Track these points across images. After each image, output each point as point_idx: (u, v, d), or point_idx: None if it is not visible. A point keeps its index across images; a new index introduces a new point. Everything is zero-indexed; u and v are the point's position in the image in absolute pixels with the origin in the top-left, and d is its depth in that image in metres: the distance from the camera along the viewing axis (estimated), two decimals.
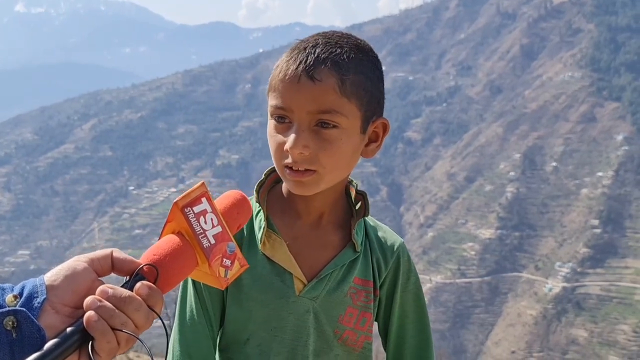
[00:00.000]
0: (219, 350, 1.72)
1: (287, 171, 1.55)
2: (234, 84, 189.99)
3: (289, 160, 1.52)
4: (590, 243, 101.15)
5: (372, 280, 1.72)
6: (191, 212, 1.11)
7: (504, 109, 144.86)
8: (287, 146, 1.50)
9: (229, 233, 1.15)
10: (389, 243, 1.77)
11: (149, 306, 1.03)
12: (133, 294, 1.02)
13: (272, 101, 1.55)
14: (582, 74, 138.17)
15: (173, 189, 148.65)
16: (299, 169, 1.52)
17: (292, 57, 1.54)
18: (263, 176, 1.72)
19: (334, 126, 1.51)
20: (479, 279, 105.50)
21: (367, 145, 1.63)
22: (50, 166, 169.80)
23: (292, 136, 1.50)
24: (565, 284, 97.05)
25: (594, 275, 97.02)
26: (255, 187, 1.70)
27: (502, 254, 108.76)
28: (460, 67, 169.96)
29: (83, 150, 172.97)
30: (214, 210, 1.13)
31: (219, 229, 1.13)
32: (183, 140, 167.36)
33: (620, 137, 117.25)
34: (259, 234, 1.65)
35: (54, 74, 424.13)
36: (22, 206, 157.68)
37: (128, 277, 1.06)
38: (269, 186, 1.73)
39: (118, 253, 1.08)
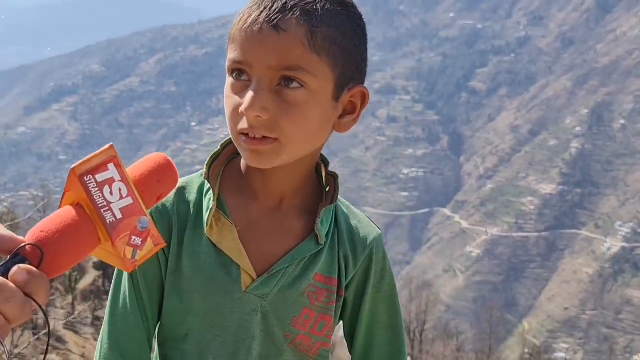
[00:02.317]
0: (158, 345, 1.50)
1: (243, 138, 1.29)
2: None
3: (244, 125, 1.28)
4: None
5: (336, 277, 1.47)
6: (92, 180, 0.93)
7: (574, 63, 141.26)
8: (242, 108, 1.25)
9: (143, 206, 0.97)
10: (361, 235, 1.50)
11: (27, 294, 0.84)
12: (5, 280, 0.83)
13: (230, 54, 1.31)
14: None
15: None
16: (256, 135, 1.28)
17: (255, 3, 1.30)
18: (219, 147, 1.47)
19: (300, 86, 1.27)
20: (536, 234, 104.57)
21: (341, 117, 1.37)
22: (116, 98, 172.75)
23: (248, 95, 1.25)
24: (624, 244, 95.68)
25: None
26: (207, 159, 1.45)
27: (562, 210, 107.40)
28: (532, 17, 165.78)
29: (148, 84, 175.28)
30: (123, 179, 0.95)
31: (128, 200, 0.95)
32: None
33: None
34: (205, 215, 1.40)
35: (123, 6, 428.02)
36: (88, 136, 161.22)
37: (8, 258, 0.88)
38: (226, 159, 1.47)
39: None
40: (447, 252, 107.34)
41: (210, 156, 1.44)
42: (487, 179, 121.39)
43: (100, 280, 26.87)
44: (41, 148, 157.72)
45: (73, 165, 0.92)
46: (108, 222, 0.92)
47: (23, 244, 0.88)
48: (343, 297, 1.49)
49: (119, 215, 0.93)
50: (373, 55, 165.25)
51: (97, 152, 0.95)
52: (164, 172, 1.03)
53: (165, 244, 1.01)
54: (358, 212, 1.55)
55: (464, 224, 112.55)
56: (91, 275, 27.02)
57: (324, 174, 1.50)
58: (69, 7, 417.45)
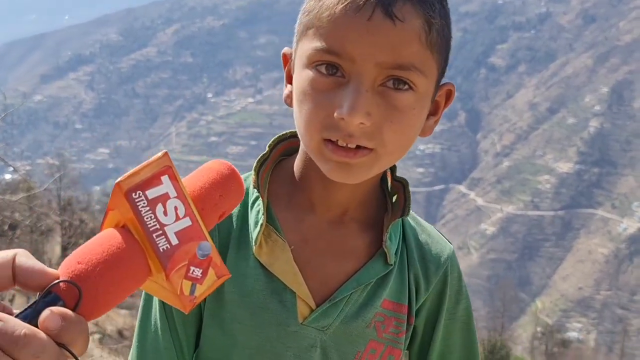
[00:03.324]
0: None
1: (330, 147, 1.04)
2: None
3: (336, 133, 1.02)
4: None
5: (407, 303, 1.23)
6: (142, 198, 0.70)
7: (595, 40, 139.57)
8: (342, 112, 0.99)
9: (203, 228, 0.73)
10: (433, 252, 1.27)
11: (61, 344, 0.63)
12: (34, 330, 0.61)
13: (315, 42, 1.03)
14: None
15: (250, 99, 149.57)
16: (350, 145, 1.03)
17: None
18: (267, 148, 1.22)
19: (409, 88, 1.03)
20: (552, 213, 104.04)
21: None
22: (133, 68, 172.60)
23: (350, 97, 0.99)
24: None
25: None
26: (255, 163, 1.19)
27: (579, 189, 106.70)
28: None
29: (165, 55, 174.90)
30: (179, 195, 0.72)
31: (186, 222, 0.71)
32: (264, 51, 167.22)
33: None
34: (254, 232, 1.15)
35: None
36: (104, 105, 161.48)
37: (38, 296, 0.65)
38: (274, 162, 1.22)
39: (24, 258, 0.66)
40: (462, 229, 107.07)
41: (257, 160, 1.19)
42: (503, 157, 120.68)
43: None
44: (57, 116, 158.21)
45: (119, 179, 0.70)
46: (161, 250, 0.70)
47: (57, 281, 0.65)
48: (413, 326, 1.26)
49: (174, 241, 0.71)
50: None
51: (148, 161, 0.72)
52: (227, 185, 0.79)
53: (230, 275, 0.76)
54: (427, 224, 1.32)
55: (479, 201, 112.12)
56: None
57: (389, 179, 1.25)
58: None
